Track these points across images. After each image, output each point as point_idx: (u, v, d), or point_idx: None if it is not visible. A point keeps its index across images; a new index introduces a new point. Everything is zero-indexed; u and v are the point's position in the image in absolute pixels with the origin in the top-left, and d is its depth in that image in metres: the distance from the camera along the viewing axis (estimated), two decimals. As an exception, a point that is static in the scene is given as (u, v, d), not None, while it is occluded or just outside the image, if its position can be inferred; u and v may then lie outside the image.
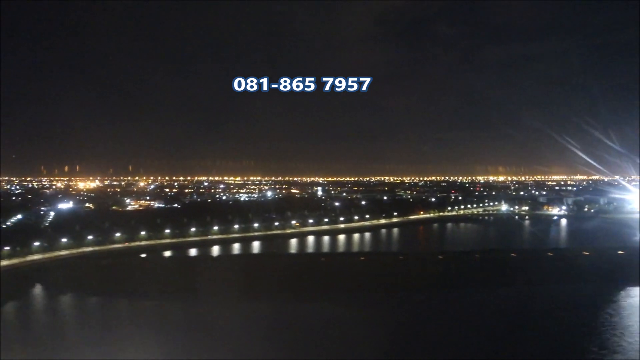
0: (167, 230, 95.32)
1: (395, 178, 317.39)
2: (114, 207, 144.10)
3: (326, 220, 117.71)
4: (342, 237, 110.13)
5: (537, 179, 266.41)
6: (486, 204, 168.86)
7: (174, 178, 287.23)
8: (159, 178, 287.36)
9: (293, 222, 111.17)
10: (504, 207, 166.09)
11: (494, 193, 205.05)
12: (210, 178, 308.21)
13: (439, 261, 78.73)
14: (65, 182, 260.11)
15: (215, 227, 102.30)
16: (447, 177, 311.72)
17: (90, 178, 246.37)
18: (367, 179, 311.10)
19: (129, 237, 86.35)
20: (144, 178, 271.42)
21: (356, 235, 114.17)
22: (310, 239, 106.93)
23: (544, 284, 67.27)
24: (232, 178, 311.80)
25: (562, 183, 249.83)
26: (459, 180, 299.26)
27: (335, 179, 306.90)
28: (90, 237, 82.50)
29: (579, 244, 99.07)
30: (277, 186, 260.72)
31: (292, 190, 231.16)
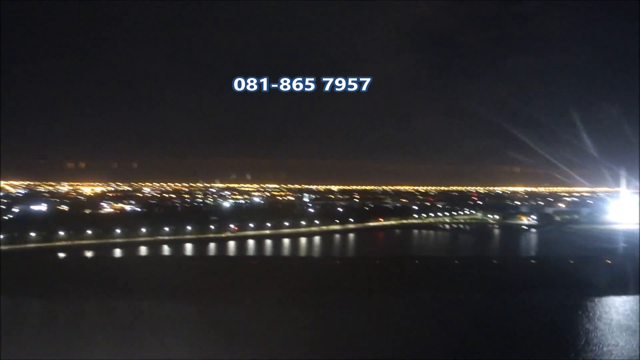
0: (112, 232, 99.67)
1: (396, 187, 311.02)
2: (86, 210, 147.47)
3: (269, 224, 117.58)
4: (284, 241, 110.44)
5: (533, 190, 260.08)
6: (461, 213, 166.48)
7: (184, 184, 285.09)
8: (168, 184, 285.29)
9: (231, 225, 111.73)
10: (478, 215, 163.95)
11: (480, 202, 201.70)
12: (225, 185, 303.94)
13: (368, 265, 77.91)
14: (70, 187, 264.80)
15: (163, 229, 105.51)
16: (451, 187, 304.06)
17: (95, 183, 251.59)
18: (374, 187, 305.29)
19: (46, 237, 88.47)
20: (152, 183, 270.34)
21: (302, 240, 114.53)
22: (247, 242, 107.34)
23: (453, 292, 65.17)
24: (247, 185, 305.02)
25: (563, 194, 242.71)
26: (462, 189, 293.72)
27: (349, 187, 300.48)
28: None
29: (527, 253, 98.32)
30: (274, 192, 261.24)
31: (280, 196, 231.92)
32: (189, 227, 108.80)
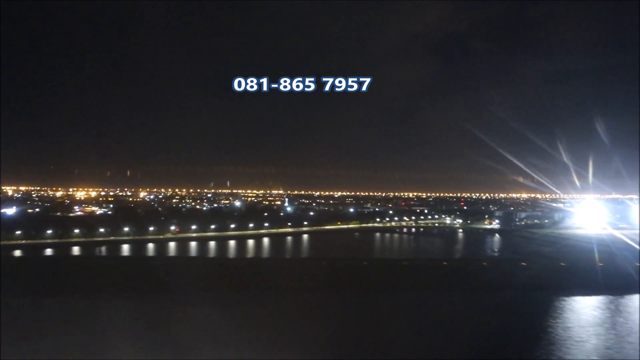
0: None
1: (389, 193, 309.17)
2: (56, 213, 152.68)
3: (213, 227, 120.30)
4: (216, 243, 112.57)
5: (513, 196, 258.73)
6: (429, 217, 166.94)
7: (181, 189, 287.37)
8: (165, 189, 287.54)
9: (172, 227, 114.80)
10: (447, 220, 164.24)
11: (465, 207, 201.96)
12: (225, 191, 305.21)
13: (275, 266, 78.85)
14: (64, 192, 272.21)
15: (112, 230, 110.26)
16: (442, 193, 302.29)
17: (93, 189, 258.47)
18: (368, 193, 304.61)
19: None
20: (149, 189, 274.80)
21: (249, 242, 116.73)
22: (178, 243, 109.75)
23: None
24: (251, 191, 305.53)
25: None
26: (453, 196, 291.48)
27: (350, 193, 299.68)
28: None
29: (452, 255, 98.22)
30: (268, 198, 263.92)
31: (268, 201, 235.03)
32: (136, 229, 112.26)
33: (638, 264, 76.29)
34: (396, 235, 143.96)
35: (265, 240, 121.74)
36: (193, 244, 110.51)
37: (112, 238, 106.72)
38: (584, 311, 59.32)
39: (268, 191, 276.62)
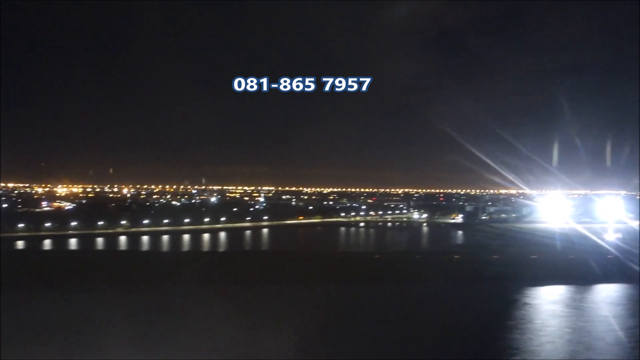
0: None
1: (377, 189, 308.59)
2: (23, 208, 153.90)
3: (166, 221, 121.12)
4: (176, 237, 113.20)
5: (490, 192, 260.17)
6: (397, 212, 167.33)
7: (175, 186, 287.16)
8: (151, 186, 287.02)
9: (123, 222, 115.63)
10: (415, 214, 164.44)
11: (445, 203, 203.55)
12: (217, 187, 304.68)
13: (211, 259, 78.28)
14: (46, 188, 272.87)
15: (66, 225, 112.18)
16: (430, 189, 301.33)
17: (78, 186, 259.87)
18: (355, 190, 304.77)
19: None
20: (138, 186, 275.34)
21: (196, 236, 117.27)
22: (126, 238, 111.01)
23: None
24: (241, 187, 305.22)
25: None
26: (437, 192, 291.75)
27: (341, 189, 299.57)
28: None
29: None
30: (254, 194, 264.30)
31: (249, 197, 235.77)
32: (86, 224, 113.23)
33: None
34: (352, 229, 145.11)
35: (213, 234, 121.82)
36: (131, 238, 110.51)
37: (59, 233, 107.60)
38: (478, 299, 59.39)
39: (260, 188, 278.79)
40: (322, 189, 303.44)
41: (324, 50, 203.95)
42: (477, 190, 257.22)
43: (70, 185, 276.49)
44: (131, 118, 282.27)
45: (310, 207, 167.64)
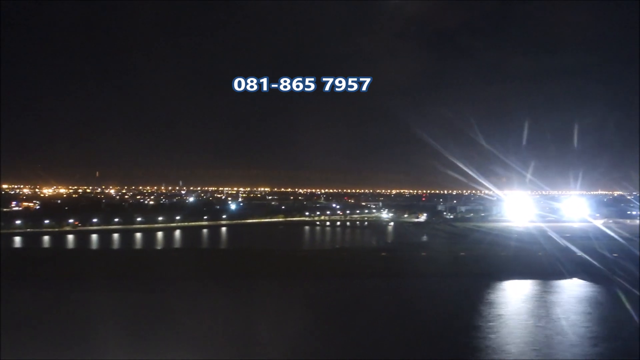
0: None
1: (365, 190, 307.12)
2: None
3: (117, 220, 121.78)
4: (124, 236, 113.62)
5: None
6: (366, 212, 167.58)
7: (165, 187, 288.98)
8: (139, 187, 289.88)
9: (71, 220, 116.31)
10: (383, 214, 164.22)
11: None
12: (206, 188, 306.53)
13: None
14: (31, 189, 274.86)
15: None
16: (414, 190, 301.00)
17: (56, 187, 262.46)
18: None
19: None
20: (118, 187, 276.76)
21: (155, 234, 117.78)
22: (78, 237, 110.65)
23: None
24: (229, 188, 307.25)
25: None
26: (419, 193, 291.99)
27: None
28: None
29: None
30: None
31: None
32: (33, 222, 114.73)
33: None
34: (308, 227, 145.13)
35: (166, 232, 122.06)
36: (73, 236, 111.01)
37: (4, 231, 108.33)
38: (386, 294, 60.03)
39: (254, 188, 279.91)
40: (316, 190, 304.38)
41: (324, 50, 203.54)
42: (461, 191, 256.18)
43: (58, 187, 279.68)
44: (131, 118, 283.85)
45: (283, 207, 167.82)
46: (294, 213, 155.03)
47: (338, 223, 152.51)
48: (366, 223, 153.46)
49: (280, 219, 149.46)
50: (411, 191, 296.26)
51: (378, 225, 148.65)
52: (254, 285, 60.80)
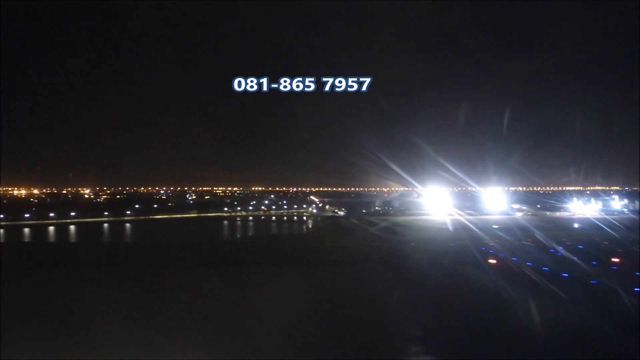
0: None
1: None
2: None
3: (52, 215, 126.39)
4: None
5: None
6: (295, 207, 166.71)
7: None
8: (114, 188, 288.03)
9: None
10: (310, 210, 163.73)
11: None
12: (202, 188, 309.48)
13: None
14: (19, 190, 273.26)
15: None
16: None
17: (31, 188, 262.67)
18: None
19: None
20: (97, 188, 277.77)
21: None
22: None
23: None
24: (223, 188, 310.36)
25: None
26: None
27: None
28: None
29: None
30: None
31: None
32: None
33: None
34: (214, 222, 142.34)
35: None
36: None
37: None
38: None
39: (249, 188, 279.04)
40: (305, 189, 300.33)
41: (324, 50, 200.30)
42: (397, 188, 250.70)
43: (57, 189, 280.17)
44: (131, 118, 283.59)
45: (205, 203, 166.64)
46: (209, 209, 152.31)
47: (250, 218, 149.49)
48: (274, 218, 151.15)
49: (193, 215, 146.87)
50: (372, 189, 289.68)
51: (294, 220, 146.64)
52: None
